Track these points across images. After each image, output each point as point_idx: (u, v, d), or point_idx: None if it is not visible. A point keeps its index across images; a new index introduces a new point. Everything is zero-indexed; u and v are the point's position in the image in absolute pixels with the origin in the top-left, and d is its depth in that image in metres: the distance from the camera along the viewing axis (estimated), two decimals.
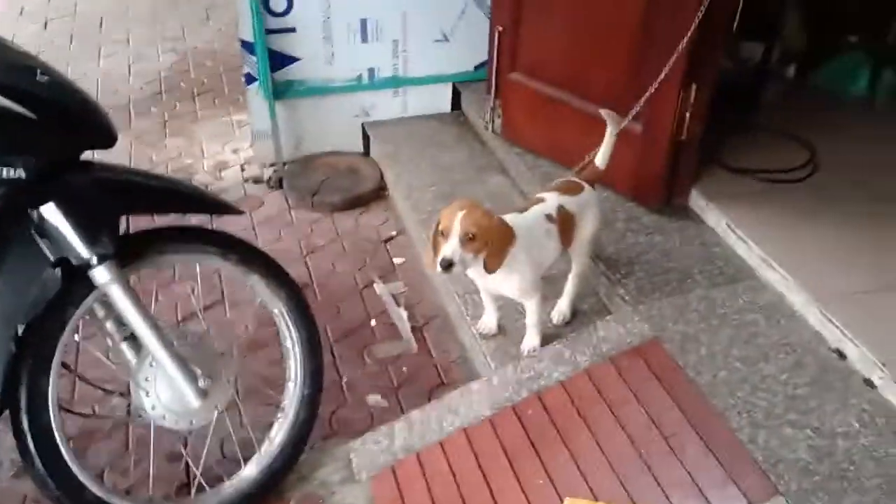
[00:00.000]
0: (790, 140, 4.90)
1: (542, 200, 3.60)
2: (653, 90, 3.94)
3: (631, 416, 3.28)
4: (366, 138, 5.78)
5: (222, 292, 4.47)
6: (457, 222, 3.11)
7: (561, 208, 3.57)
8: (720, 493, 2.96)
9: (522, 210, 3.52)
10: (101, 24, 8.12)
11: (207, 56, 7.45)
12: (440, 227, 3.17)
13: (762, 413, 3.22)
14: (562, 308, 3.89)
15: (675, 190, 4.45)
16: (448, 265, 3.11)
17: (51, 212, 2.65)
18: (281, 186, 5.45)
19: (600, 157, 3.78)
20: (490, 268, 3.24)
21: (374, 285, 4.61)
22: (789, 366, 3.45)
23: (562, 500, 3.03)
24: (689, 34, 3.80)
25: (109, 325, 2.99)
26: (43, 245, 2.70)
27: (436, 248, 3.23)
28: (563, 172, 4.08)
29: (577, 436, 3.25)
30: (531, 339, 3.71)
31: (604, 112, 3.75)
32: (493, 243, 3.20)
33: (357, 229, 5.11)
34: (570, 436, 3.26)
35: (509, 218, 3.36)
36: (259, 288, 3.27)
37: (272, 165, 5.56)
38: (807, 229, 4.14)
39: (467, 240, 3.12)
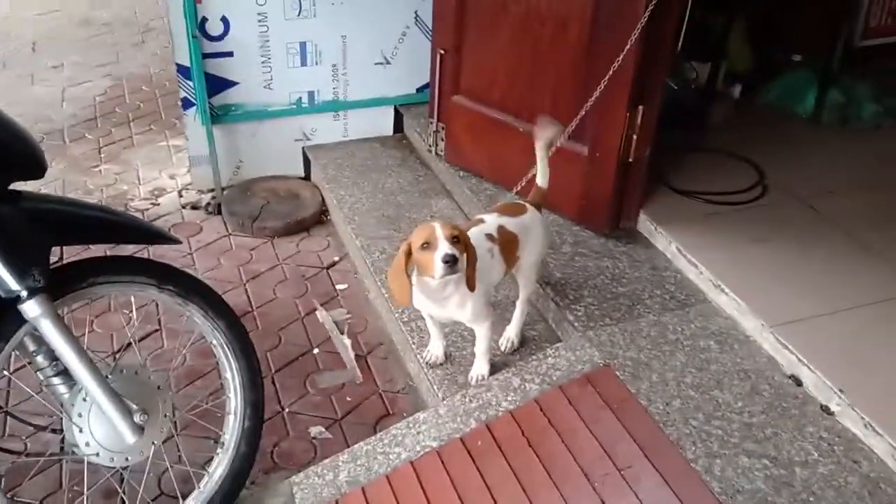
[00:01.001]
0: (738, 161, 4.89)
1: (481, 221, 3.52)
2: (588, 107, 3.89)
3: (583, 447, 3.19)
4: (306, 162, 5.69)
5: (159, 321, 4.34)
6: (438, 230, 3.03)
7: (501, 228, 3.49)
8: None
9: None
10: (33, 49, 7.98)
11: (143, 81, 7.32)
12: (421, 243, 3.05)
13: (718, 442, 3.14)
14: (510, 335, 3.80)
15: (623, 213, 4.39)
16: (452, 259, 3.00)
17: None
18: (219, 212, 5.34)
19: (540, 177, 3.70)
20: (471, 285, 3.16)
21: (317, 312, 4.50)
22: (744, 393, 3.38)
23: None
24: (623, 54, 3.77)
25: (41, 359, 2.86)
26: None
27: (412, 265, 3.16)
28: (508, 196, 4.01)
29: (528, 468, 3.16)
30: (480, 367, 3.61)
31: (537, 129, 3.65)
32: (469, 255, 3.13)
33: (298, 255, 5.01)
34: (520, 468, 3.16)
35: None
36: (197, 318, 3.16)
37: (210, 191, 5.45)
38: (757, 252, 4.10)
39: (454, 242, 3.03)
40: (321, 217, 5.33)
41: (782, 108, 5.68)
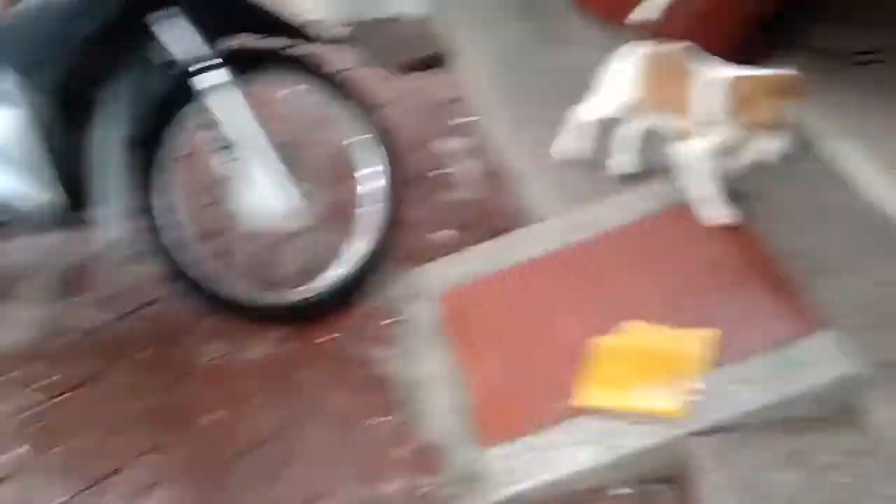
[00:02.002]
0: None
1: None
2: None
3: (690, 257, 3.37)
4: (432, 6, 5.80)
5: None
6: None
7: None
8: (775, 324, 3.04)
9: None
10: None
11: None
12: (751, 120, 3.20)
13: (821, 263, 3.27)
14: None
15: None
16: None
17: (176, 14, 2.97)
18: (349, 45, 5.48)
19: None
20: None
21: (439, 140, 4.70)
22: (852, 227, 3.48)
23: (617, 325, 3.14)
24: None
25: (211, 133, 3.21)
26: (164, 48, 3.02)
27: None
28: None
29: (638, 273, 3.36)
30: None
31: None
32: None
33: (424, 90, 5.20)
34: (631, 273, 3.37)
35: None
36: (347, 112, 3.53)
37: (340, 25, 5.60)
38: (877, 108, 4.04)
39: None
40: (446, 57, 5.46)
41: None
